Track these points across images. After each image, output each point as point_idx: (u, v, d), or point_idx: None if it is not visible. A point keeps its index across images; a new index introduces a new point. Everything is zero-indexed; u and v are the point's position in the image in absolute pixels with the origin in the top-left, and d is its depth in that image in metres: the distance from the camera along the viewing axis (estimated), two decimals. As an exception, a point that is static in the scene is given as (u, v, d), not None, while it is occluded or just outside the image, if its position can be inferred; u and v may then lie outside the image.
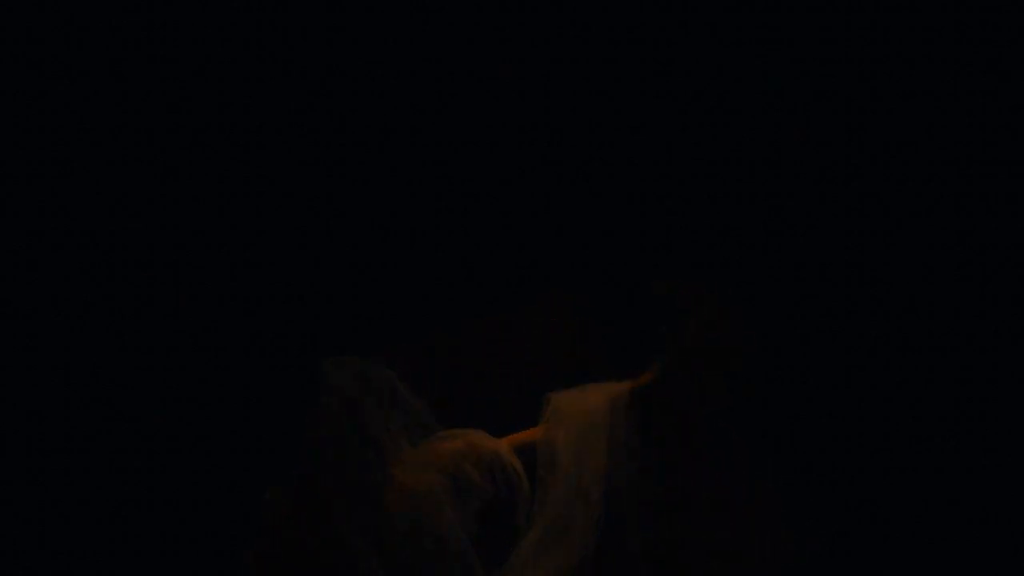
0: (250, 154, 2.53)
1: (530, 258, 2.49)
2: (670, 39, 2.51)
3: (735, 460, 2.12)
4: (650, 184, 2.50)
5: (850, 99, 2.46)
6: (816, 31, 2.47)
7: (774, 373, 2.29)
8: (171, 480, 2.42)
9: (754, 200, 2.46)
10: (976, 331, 2.37)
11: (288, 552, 2.07)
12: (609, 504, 2.06)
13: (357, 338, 2.39)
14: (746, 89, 2.48)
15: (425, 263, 2.52)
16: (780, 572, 2.10)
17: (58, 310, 2.48)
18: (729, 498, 2.09)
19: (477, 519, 2.08)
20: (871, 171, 2.45)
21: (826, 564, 2.21)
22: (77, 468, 2.44)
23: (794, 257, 2.43)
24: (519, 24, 2.54)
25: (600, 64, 2.52)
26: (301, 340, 2.46)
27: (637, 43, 2.52)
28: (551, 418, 2.10)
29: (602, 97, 2.52)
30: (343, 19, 2.54)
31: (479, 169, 2.53)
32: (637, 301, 2.27)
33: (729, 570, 2.07)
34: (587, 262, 2.47)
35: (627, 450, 2.08)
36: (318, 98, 2.53)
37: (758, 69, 2.48)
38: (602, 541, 2.05)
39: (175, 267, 2.51)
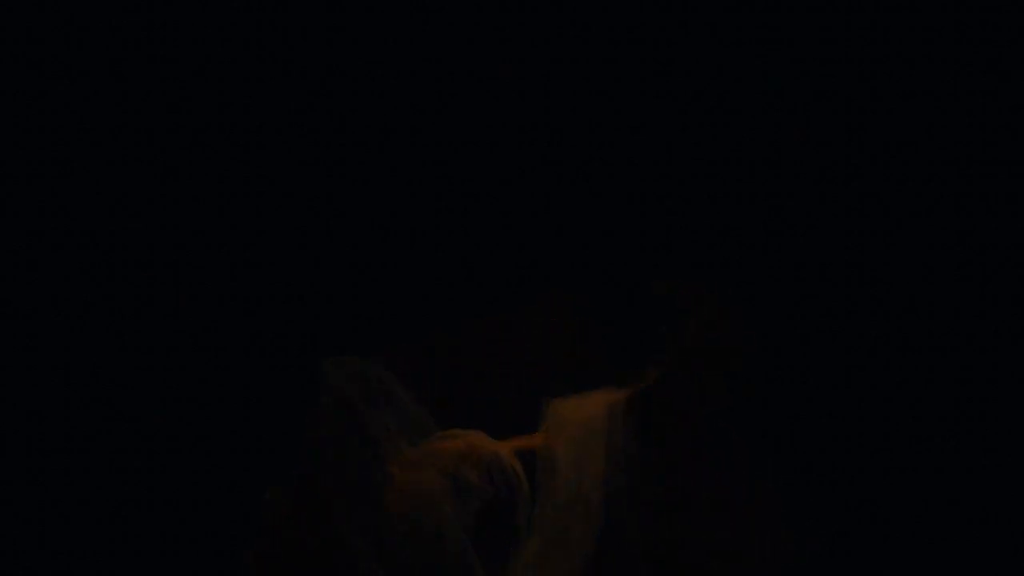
0: (250, 154, 2.53)
1: (530, 258, 2.49)
2: (670, 39, 2.51)
3: (735, 460, 2.12)
4: (650, 184, 2.50)
5: (850, 99, 2.46)
6: (816, 31, 2.47)
7: (774, 373, 2.29)
8: (171, 480, 2.42)
9: (754, 200, 2.46)
10: (976, 331, 2.37)
11: (288, 552, 2.07)
12: (609, 509, 2.06)
13: (357, 338, 2.39)
14: (746, 89, 2.48)
15: (425, 263, 2.52)
16: (780, 572, 2.10)
17: (57, 311, 2.48)
18: (729, 498, 2.09)
19: (477, 519, 2.08)
20: (871, 171, 2.45)
21: (826, 564, 2.21)
22: (77, 468, 2.44)
23: (794, 257, 2.43)
24: (519, 24, 2.54)
25: (600, 64, 2.52)
26: (301, 340, 2.46)
27: (637, 43, 2.52)
28: (550, 425, 2.10)
29: (602, 97, 2.52)
30: (341, 18, 2.54)
31: (479, 169, 2.53)
32: (637, 301, 2.27)
33: (729, 570, 2.07)
34: (587, 262, 2.47)
35: (626, 456, 2.08)
36: (320, 99, 2.53)
37: (758, 69, 2.48)
38: (602, 542, 2.05)
39: (175, 267, 2.51)
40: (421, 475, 2.07)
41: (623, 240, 2.48)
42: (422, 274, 2.51)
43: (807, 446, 2.32)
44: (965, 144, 2.42)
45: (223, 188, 2.52)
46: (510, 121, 2.54)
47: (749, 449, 2.15)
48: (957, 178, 2.42)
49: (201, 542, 2.39)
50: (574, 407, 2.10)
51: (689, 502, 2.08)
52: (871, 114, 2.45)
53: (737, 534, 2.08)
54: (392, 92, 2.53)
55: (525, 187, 2.52)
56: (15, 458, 2.43)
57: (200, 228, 2.52)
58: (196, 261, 2.51)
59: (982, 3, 2.41)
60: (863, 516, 2.32)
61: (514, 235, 2.50)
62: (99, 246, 2.49)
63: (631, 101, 2.52)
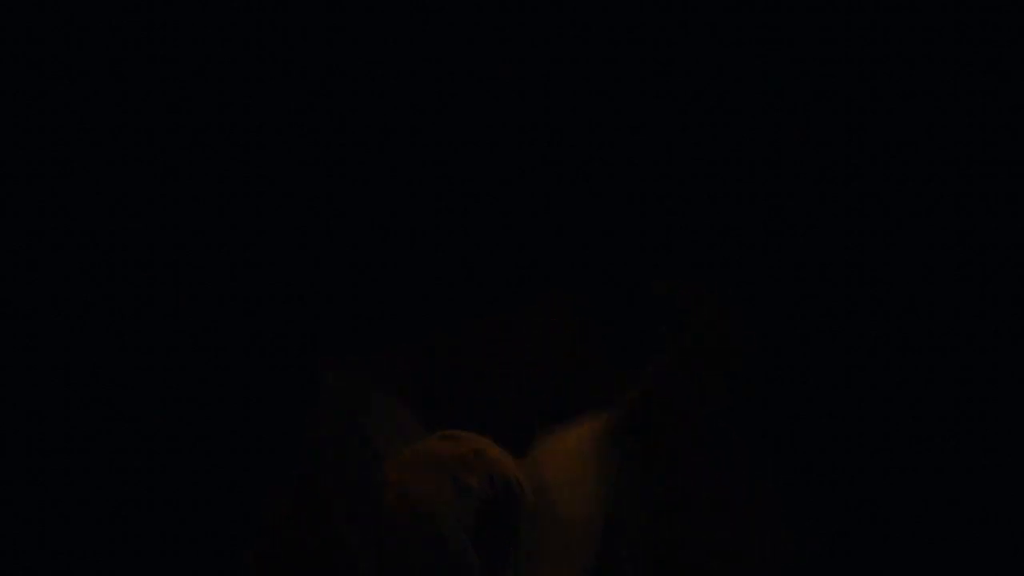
0: (248, 153, 2.53)
1: (530, 258, 2.49)
2: (669, 39, 2.51)
3: (735, 460, 2.12)
4: (650, 184, 2.50)
5: (850, 99, 2.46)
6: (816, 31, 2.47)
7: (774, 373, 2.29)
8: (171, 480, 2.42)
9: (754, 200, 2.46)
10: (977, 331, 2.37)
11: (288, 552, 2.07)
12: (609, 518, 2.06)
13: (357, 338, 2.39)
14: (746, 89, 2.48)
15: (425, 263, 2.51)
16: (780, 572, 2.10)
17: (56, 311, 2.48)
18: (729, 498, 2.09)
19: (477, 519, 2.08)
20: (871, 171, 2.45)
21: (826, 564, 2.21)
22: (76, 468, 2.44)
23: (794, 257, 2.43)
24: (518, 24, 2.54)
25: (600, 64, 2.52)
26: (301, 340, 2.45)
27: (636, 43, 2.52)
28: (539, 454, 2.10)
29: (602, 97, 2.52)
30: (337, 16, 2.54)
31: (479, 169, 2.53)
32: (637, 301, 2.27)
33: (729, 570, 2.07)
34: (587, 262, 2.47)
35: (620, 475, 2.08)
36: (319, 98, 2.53)
37: (758, 69, 2.48)
38: (603, 543, 2.05)
39: (173, 267, 2.50)
40: (421, 475, 2.07)
41: (623, 240, 2.48)
42: (421, 274, 2.51)
43: (807, 446, 2.32)
44: (965, 144, 2.42)
45: (222, 188, 2.52)
46: (509, 121, 2.54)
47: (749, 449, 2.15)
48: (957, 178, 2.42)
49: (201, 542, 2.39)
50: (561, 438, 2.11)
51: (689, 502, 2.08)
52: (870, 114, 2.45)
53: (737, 534, 2.08)
54: (393, 92, 2.53)
55: (525, 187, 2.52)
56: (14, 458, 2.43)
57: (198, 228, 2.52)
58: (194, 261, 2.51)
59: (982, 3, 2.42)
60: (863, 516, 2.32)
61: (514, 235, 2.50)
62: (98, 246, 2.49)
63: (631, 101, 2.52)
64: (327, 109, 2.53)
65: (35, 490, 2.42)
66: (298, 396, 2.22)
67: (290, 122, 2.53)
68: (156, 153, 2.52)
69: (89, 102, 2.51)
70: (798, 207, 2.46)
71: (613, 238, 2.48)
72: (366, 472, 2.08)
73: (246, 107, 2.53)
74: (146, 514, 2.42)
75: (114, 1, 2.51)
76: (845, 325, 2.40)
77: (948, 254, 2.40)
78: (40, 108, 2.50)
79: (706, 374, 2.09)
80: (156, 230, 2.51)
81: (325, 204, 2.53)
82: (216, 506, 2.39)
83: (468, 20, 2.54)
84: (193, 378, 2.47)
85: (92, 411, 2.45)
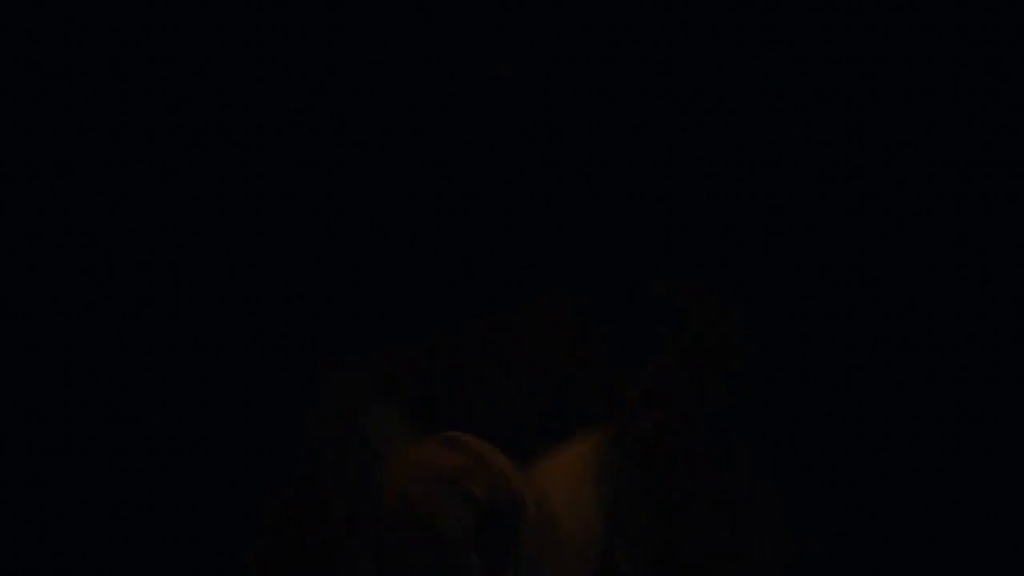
0: (247, 152, 2.53)
1: (530, 258, 2.49)
2: (669, 38, 2.51)
3: (735, 460, 2.12)
4: (650, 184, 2.50)
5: (850, 99, 2.46)
6: (816, 30, 2.47)
7: (774, 373, 2.29)
8: (171, 480, 2.42)
9: (754, 200, 2.46)
10: (977, 331, 2.37)
11: (288, 552, 2.07)
12: (607, 527, 2.06)
13: (357, 338, 2.39)
14: (746, 89, 2.49)
15: (424, 263, 2.51)
16: (780, 572, 2.10)
17: (54, 311, 2.48)
18: (729, 498, 2.09)
19: (477, 519, 2.08)
20: (872, 171, 2.45)
21: (826, 564, 2.21)
22: (75, 468, 2.44)
23: (795, 257, 2.43)
24: (518, 23, 2.54)
25: (600, 64, 2.52)
26: (300, 340, 2.46)
27: (636, 43, 2.52)
28: (541, 471, 2.10)
29: (602, 97, 2.52)
30: (336, 16, 2.54)
31: (478, 169, 2.53)
32: (637, 301, 2.27)
33: (729, 570, 2.07)
34: (587, 262, 2.47)
35: (620, 478, 2.08)
36: (318, 97, 2.53)
37: (758, 68, 2.48)
38: (603, 543, 2.05)
39: (172, 267, 2.51)
40: (423, 480, 2.06)
41: (623, 240, 2.48)
42: (422, 274, 2.51)
43: (807, 446, 2.32)
44: (966, 144, 2.42)
45: (221, 188, 2.52)
46: (509, 121, 2.54)
47: (749, 449, 2.15)
48: (957, 178, 2.42)
49: (201, 542, 2.39)
50: (562, 452, 2.10)
51: (689, 502, 2.08)
52: (871, 114, 2.45)
53: (737, 534, 2.08)
54: (393, 92, 2.53)
55: (525, 187, 2.52)
56: (13, 459, 2.43)
57: (197, 227, 2.52)
58: (193, 260, 2.51)
59: (982, 3, 2.42)
60: (863, 516, 2.32)
61: (514, 235, 2.50)
62: (97, 246, 2.49)
63: (631, 101, 2.52)
64: (327, 108, 2.53)
65: (34, 490, 2.42)
66: (298, 396, 2.22)
67: (290, 121, 2.53)
68: (154, 152, 2.52)
69: (88, 101, 2.51)
70: (798, 207, 2.46)
71: (613, 238, 2.48)
72: (366, 472, 2.08)
73: (246, 106, 2.53)
74: (145, 514, 2.42)
75: (114, 1, 2.51)
76: (845, 325, 2.40)
77: (948, 254, 2.40)
78: (40, 108, 2.51)
79: (706, 374, 2.09)
80: (154, 230, 2.51)
81: (324, 204, 2.53)
82: (216, 506, 2.40)
83: (468, 19, 2.53)
84: (192, 378, 2.47)
85: (91, 411, 2.45)
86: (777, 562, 2.08)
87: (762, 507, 2.09)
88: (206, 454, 2.44)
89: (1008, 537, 2.30)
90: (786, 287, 2.41)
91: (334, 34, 2.53)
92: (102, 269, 2.48)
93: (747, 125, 2.48)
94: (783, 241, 2.43)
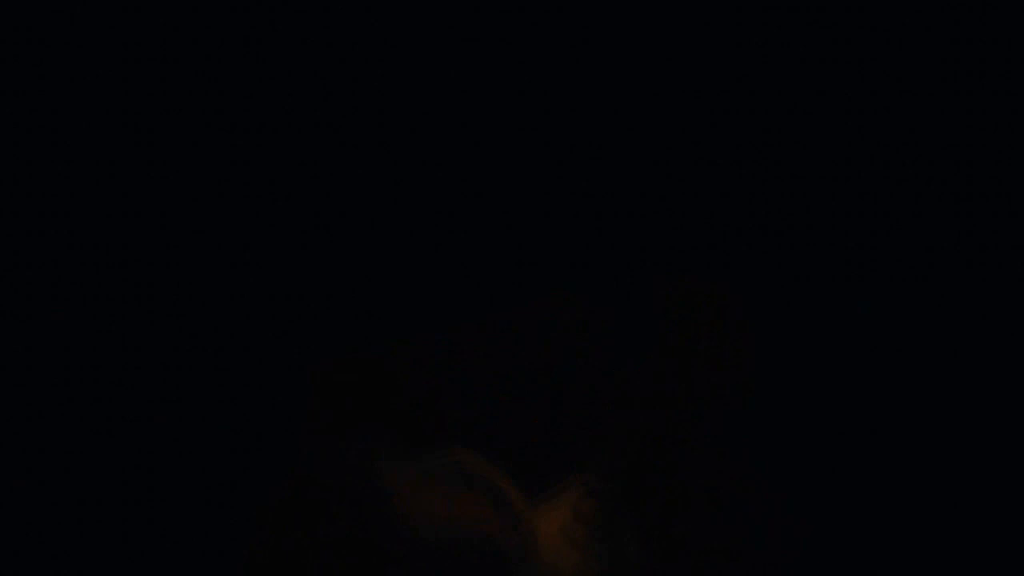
0: (244, 152, 2.53)
1: (530, 258, 2.49)
2: (669, 39, 2.51)
3: (735, 460, 2.12)
4: (650, 183, 2.50)
5: (850, 99, 2.45)
6: (816, 29, 2.47)
7: (774, 373, 2.29)
8: (170, 480, 2.42)
9: (754, 199, 2.46)
10: (978, 331, 2.37)
11: (288, 552, 2.07)
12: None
13: (355, 338, 2.38)
14: (746, 88, 2.48)
15: (424, 263, 2.51)
16: (780, 572, 2.09)
17: (52, 311, 2.48)
18: (729, 498, 2.09)
19: (483, 559, 2.07)
20: (873, 171, 2.45)
21: (826, 564, 2.21)
22: (73, 468, 2.44)
23: (795, 257, 2.43)
24: (517, 23, 2.54)
25: (600, 64, 2.52)
26: (299, 340, 2.45)
27: (636, 42, 2.52)
28: (541, 514, 2.09)
29: (602, 97, 2.52)
30: (338, 16, 2.53)
31: (479, 169, 2.53)
32: (637, 301, 2.27)
33: (729, 570, 2.07)
34: (587, 262, 2.47)
35: (610, 535, 2.07)
36: (318, 96, 2.53)
37: (759, 68, 2.48)
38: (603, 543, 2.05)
39: (170, 266, 2.50)
40: (436, 517, 2.04)
41: (623, 240, 2.47)
42: (421, 274, 2.51)
43: (807, 446, 2.32)
44: (966, 144, 2.42)
45: (220, 187, 2.52)
46: (510, 121, 2.54)
47: (749, 449, 2.15)
48: (957, 178, 2.42)
49: (201, 542, 2.39)
50: (543, 515, 2.10)
51: (689, 502, 2.08)
52: (871, 114, 2.45)
53: (737, 534, 2.08)
54: (393, 91, 2.53)
55: (525, 187, 2.52)
56: (13, 459, 2.43)
57: (195, 227, 2.52)
58: (192, 260, 2.51)
59: (983, 3, 2.42)
60: (863, 516, 2.32)
61: (514, 235, 2.50)
62: (93, 245, 2.49)
63: (631, 101, 2.52)
64: (326, 108, 2.53)
65: (33, 490, 2.42)
66: (297, 396, 2.22)
67: (289, 121, 2.53)
68: (153, 152, 2.52)
69: (86, 101, 2.51)
70: (798, 207, 2.45)
71: (613, 238, 2.48)
72: (366, 473, 2.08)
73: (245, 106, 2.52)
74: (145, 514, 2.42)
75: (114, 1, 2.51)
76: (845, 324, 2.40)
77: (949, 254, 2.40)
78: (40, 108, 2.50)
79: (706, 374, 2.09)
80: (152, 229, 2.51)
81: (323, 203, 2.53)
82: (216, 506, 2.39)
83: (467, 19, 2.53)
84: (192, 378, 2.47)
85: (90, 411, 2.45)
86: (777, 562, 2.08)
87: (762, 507, 2.09)
88: (206, 454, 2.44)
89: (1008, 537, 2.30)
90: (787, 286, 2.40)
91: (334, 34, 2.53)
92: (98, 269, 2.48)
93: (747, 124, 2.48)
94: (783, 240, 2.43)
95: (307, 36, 2.53)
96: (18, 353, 2.46)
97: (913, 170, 2.44)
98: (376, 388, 2.20)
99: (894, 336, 2.39)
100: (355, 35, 2.54)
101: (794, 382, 2.35)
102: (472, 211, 2.52)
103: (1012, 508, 2.31)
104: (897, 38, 2.46)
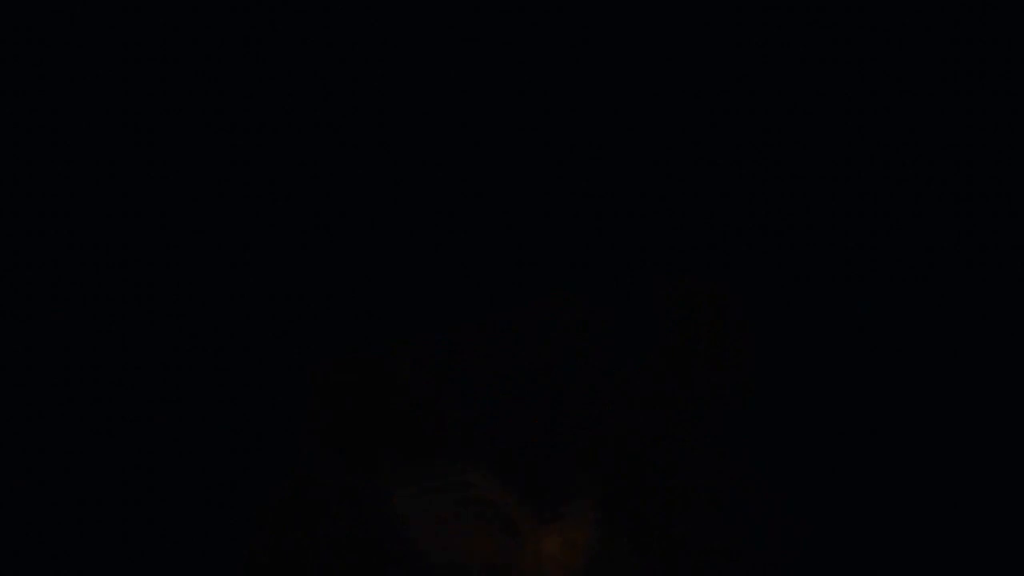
0: (244, 151, 2.53)
1: (530, 258, 2.49)
2: (669, 38, 2.51)
3: (735, 460, 2.12)
4: (651, 183, 2.49)
5: (850, 99, 2.45)
6: (816, 29, 2.47)
7: (774, 373, 2.29)
8: (171, 480, 2.42)
9: (754, 199, 2.45)
10: (978, 331, 2.37)
11: (288, 552, 2.07)
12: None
13: (356, 338, 2.38)
14: (746, 88, 2.48)
15: (424, 263, 2.51)
16: (780, 572, 2.09)
17: (52, 311, 2.48)
18: (729, 498, 2.09)
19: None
20: (873, 170, 2.45)
21: (826, 564, 2.20)
22: (73, 468, 2.44)
23: (795, 256, 2.43)
24: (517, 23, 2.54)
25: (600, 63, 2.52)
26: (299, 340, 2.45)
27: (636, 42, 2.52)
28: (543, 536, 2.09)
29: (602, 96, 2.52)
30: (338, 16, 2.53)
31: (479, 169, 2.53)
32: (637, 301, 2.27)
33: (729, 570, 2.07)
34: (587, 262, 2.47)
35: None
36: (318, 96, 2.53)
37: (759, 67, 2.48)
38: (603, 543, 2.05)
39: (168, 267, 2.50)
40: (442, 534, 2.03)
41: (623, 240, 2.47)
42: (421, 274, 2.51)
43: (807, 446, 2.32)
44: (966, 144, 2.41)
45: (220, 187, 2.52)
46: (510, 121, 2.54)
47: (749, 449, 2.15)
48: (957, 178, 2.41)
49: (201, 542, 2.39)
50: (548, 536, 2.10)
51: (689, 502, 2.08)
52: (871, 114, 2.45)
53: (737, 534, 2.07)
54: (393, 91, 2.52)
55: (525, 187, 2.52)
56: (12, 459, 2.43)
57: (194, 227, 2.51)
58: (192, 260, 2.51)
59: (983, 3, 2.41)
60: (863, 516, 2.32)
61: (513, 235, 2.50)
62: (92, 245, 2.49)
63: (631, 100, 2.51)
64: (326, 108, 2.53)
65: (33, 491, 2.42)
66: (296, 396, 2.22)
67: (289, 121, 2.53)
68: (153, 152, 2.51)
69: (87, 101, 2.51)
70: (798, 206, 2.45)
71: (613, 238, 2.48)
72: (365, 475, 2.08)
73: (245, 106, 2.52)
74: (145, 514, 2.42)
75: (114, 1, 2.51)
76: (845, 325, 2.40)
77: (949, 254, 2.40)
78: (40, 108, 2.50)
79: (706, 374, 2.09)
80: (152, 229, 2.50)
81: (323, 203, 2.53)
82: (216, 506, 2.39)
83: (467, 19, 2.53)
84: (192, 377, 2.47)
85: (90, 411, 2.45)
86: (777, 562, 2.08)
87: (762, 507, 2.09)
88: (206, 454, 2.44)
89: (1008, 537, 2.30)
90: (787, 286, 2.40)
91: (334, 34, 2.52)
92: (97, 269, 2.48)
93: (747, 124, 2.47)
94: (783, 240, 2.43)
95: (307, 36, 2.53)
96: (18, 353, 2.46)
97: (913, 170, 2.44)
98: (376, 388, 2.20)
99: (894, 336, 2.39)
100: (355, 35, 2.54)
101: (794, 382, 2.35)
102: (472, 211, 2.52)
103: (1012, 508, 2.31)
104: (897, 38, 2.45)
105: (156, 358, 2.47)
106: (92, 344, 2.47)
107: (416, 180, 2.54)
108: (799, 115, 2.48)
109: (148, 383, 2.46)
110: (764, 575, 2.08)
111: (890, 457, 2.34)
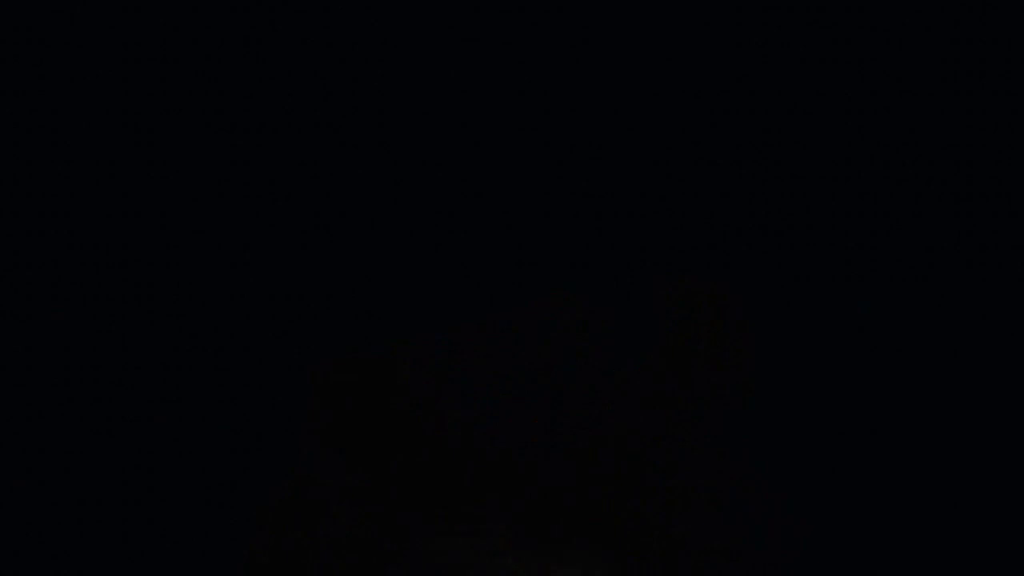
0: (245, 152, 2.53)
1: (530, 258, 2.49)
2: (669, 38, 2.51)
3: (735, 460, 2.12)
4: (651, 183, 2.49)
5: (850, 99, 2.45)
6: (816, 30, 2.47)
7: (774, 373, 2.29)
8: (171, 480, 2.42)
9: (755, 199, 2.46)
10: (977, 331, 2.37)
11: (288, 552, 2.07)
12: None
13: (355, 338, 2.38)
14: (746, 88, 2.48)
15: (424, 263, 2.51)
16: (780, 572, 2.09)
17: (52, 312, 2.48)
18: (729, 498, 2.09)
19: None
20: (873, 170, 2.45)
21: (826, 564, 2.20)
22: (73, 469, 2.44)
23: (795, 257, 2.43)
24: (516, 22, 2.54)
25: (599, 63, 2.52)
26: (299, 340, 2.45)
27: (636, 42, 2.52)
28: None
29: (602, 96, 2.52)
30: (338, 16, 2.53)
31: (479, 169, 2.53)
32: (637, 301, 2.27)
33: (729, 570, 2.07)
34: (587, 262, 2.47)
35: None
36: (318, 97, 2.53)
37: (759, 67, 2.48)
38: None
39: (169, 268, 2.50)
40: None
41: (623, 240, 2.47)
42: (420, 274, 2.51)
43: (807, 446, 2.32)
44: (966, 144, 2.41)
45: (220, 188, 2.52)
46: (510, 121, 2.54)
47: (749, 449, 2.15)
48: (957, 178, 2.41)
49: (201, 542, 2.39)
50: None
51: (689, 502, 2.08)
52: (871, 114, 2.45)
53: (737, 534, 2.08)
54: (393, 91, 2.53)
55: (524, 187, 2.52)
56: (12, 459, 2.43)
57: (194, 227, 2.52)
58: (192, 261, 2.51)
59: (983, 3, 2.42)
60: (863, 516, 2.32)
61: (513, 235, 2.50)
62: (92, 246, 2.49)
63: (631, 100, 2.51)
64: (326, 108, 2.53)
65: (33, 491, 2.42)
66: (297, 396, 2.22)
67: (289, 121, 2.53)
68: (153, 152, 2.52)
69: (86, 101, 2.51)
70: (798, 206, 2.45)
71: (613, 238, 2.48)
72: (363, 474, 2.08)
73: (245, 106, 2.52)
74: (145, 514, 2.42)
75: (114, 1, 2.51)
76: (845, 325, 2.40)
77: (949, 254, 2.40)
78: (40, 108, 2.51)
79: (706, 374, 2.09)
80: (152, 230, 2.51)
81: (322, 203, 2.53)
82: (216, 506, 2.39)
83: (468, 19, 2.53)
84: (192, 377, 2.47)
85: (90, 411, 2.45)
86: (777, 562, 2.08)
87: (762, 507, 2.09)
88: (206, 454, 2.44)
89: (1007, 537, 2.30)
90: (787, 286, 2.40)
91: (334, 34, 2.53)
92: (97, 269, 2.48)
93: (747, 125, 2.48)
94: (783, 240, 2.43)
95: (307, 36, 2.54)
96: (18, 353, 2.46)
97: (913, 170, 2.44)
98: (376, 388, 2.20)
99: (894, 336, 2.39)
100: (355, 35, 2.54)
101: (794, 382, 2.35)
102: (472, 211, 2.52)
103: (1011, 507, 2.31)
104: (897, 38, 2.46)
105: (156, 358, 2.47)
106: (92, 344, 2.47)
107: (416, 181, 2.54)
108: (799, 115, 2.48)
109: (148, 383, 2.46)
110: (764, 575, 2.08)
111: (890, 457, 2.34)
